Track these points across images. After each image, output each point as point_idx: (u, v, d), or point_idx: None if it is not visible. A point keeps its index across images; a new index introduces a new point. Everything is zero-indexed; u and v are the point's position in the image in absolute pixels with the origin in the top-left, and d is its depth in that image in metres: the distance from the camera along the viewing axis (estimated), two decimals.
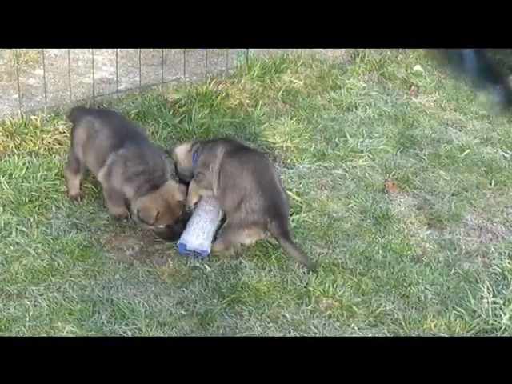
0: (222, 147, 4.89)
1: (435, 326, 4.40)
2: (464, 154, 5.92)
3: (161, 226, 4.80)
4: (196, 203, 5.03)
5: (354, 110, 6.40)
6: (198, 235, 4.79)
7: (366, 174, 5.65)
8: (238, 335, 4.28)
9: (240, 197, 4.68)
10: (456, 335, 4.34)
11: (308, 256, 4.74)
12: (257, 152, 5.12)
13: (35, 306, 4.38)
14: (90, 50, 6.35)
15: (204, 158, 4.95)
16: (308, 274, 4.67)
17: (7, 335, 4.16)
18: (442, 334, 4.35)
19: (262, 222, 4.64)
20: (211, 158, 4.88)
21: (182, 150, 5.14)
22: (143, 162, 4.87)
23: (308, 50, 6.90)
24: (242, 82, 6.46)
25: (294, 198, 5.19)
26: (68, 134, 5.44)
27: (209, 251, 4.76)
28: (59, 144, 5.48)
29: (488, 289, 4.61)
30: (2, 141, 5.50)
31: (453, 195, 5.50)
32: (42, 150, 5.49)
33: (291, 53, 6.81)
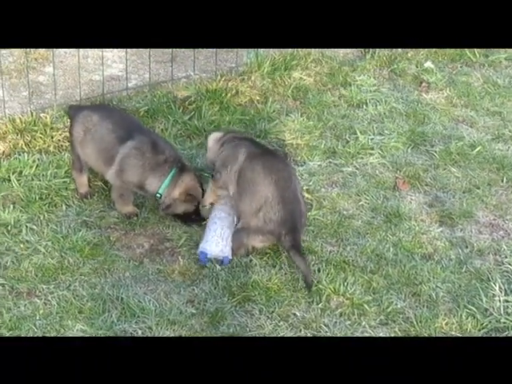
0: (245, 150, 4.82)
1: (447, 325, 4.38)
2: (475, 150, 5.89)
3: (196, 204, 4.95)
4: (212, 204, 5.01)
5: (365, 106, 6.36)
6: (218, 242, 4.76)
7: (377, 171, 5.62)
8: (248, 334, 4.26)
9: (259, 205, 4.62)
10: (468, 334, 4.32)
11: (312, 274, 4.62)
12: (280, 158, 4.96)
13: (45, 304, 4.38)
14: None
15: (225, 156, 4.89)
16: (319, 272, 4.66)
17: (17, 333, 4.16)
18: (453, 333, 4.33)
19: (277, 233, 4.61)
20: (232, 159, 4.82)
21: (212, 137, 5.10)
22: (160, 151, 4.92)
23: None
24: (252, 78, 6.44)
25: (304, 196, 5.16)
26: None
27: (230, 257, 4.73)
28: (69, 141, 5.45)
29: (500, 287, 4.59)
30: (12, 138, 5.50)
31: (464, 192, 5.47)
32: (51, 147, 5.49)
33: (301, 50, 6.78)
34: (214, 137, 5.11)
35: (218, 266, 4.67)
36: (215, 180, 4.92)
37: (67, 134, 5.47)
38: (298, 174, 5.35)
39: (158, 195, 4.91)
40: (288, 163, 4.91)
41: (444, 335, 4.31)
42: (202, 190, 5.00)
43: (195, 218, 4.99)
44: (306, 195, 5.23)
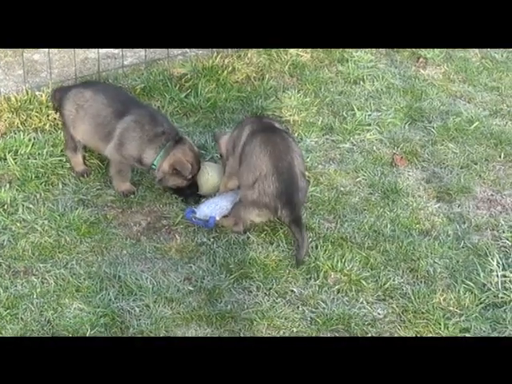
0: (249, 127, 4.80)
1: (444, 300, 4.38)
2: (473, 126, 5.87)
3: (189, 179, 4.89)
4: None
5: (362, 83, 6.34)
6: (210, 206, 4.79)
7: (374, 148, 5.60)
8: (245, 311, 4.26)
9: (255, 177, 4.60)
10: (466, 309, 4.32)
11: (307, 251, 4.59)
12: (280, 132, 4.82)
13: (42, 282, 4.37)
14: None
15: (233, 139, 4.87)
16: (316, 248, 4.66)
17: (15, 312, 4.16)
18: (451, 308, 4.33)
19: (272, 206, 4.58)
20: (237, 141, 4.80)
21: (224, 140, 5.01)
22: (159, 123, 4.91)
23: None
24: (249, 55, 6.41)
25: (305, 172, 5.12)
26: None
27: (217, 218, 4.73)
28: (61, 122, 5.42)
29: (497, 262, 4.58)
30: (8, 117, 5.48)
31: (462, 168, 5.46)
32: (47, 126, 5.47)
33: None
34: (226, 137, 5.01)
35: (215, 244, 4.67)
36: (226, 170, 4.92)
37: (59, 113, 5.44)
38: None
39: (153, 166, 4.90)
40: (287, 137, 4.78)
41: (442, 310, 4.31)
42: (198, 165, 4.95)
43: (190, 192, 4.95)
44: None
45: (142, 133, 4.87)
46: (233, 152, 4.84)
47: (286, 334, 4.15)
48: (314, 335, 4.15)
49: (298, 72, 6.42)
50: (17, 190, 4.96)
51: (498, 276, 4.50)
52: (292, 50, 6.56)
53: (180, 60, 6.34)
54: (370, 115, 5.92)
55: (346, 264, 4.56)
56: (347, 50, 6.69)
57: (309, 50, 6.62)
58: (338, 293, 4.43)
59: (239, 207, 4.74)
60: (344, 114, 5.93)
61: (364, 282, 4.47)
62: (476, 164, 5.50)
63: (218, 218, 4.73)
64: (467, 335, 4.17)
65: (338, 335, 4.16)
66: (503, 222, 4.97)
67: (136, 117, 4.90)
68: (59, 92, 5.21)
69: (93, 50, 6.30)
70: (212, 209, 4.76)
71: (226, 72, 6.16)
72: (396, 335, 4.17)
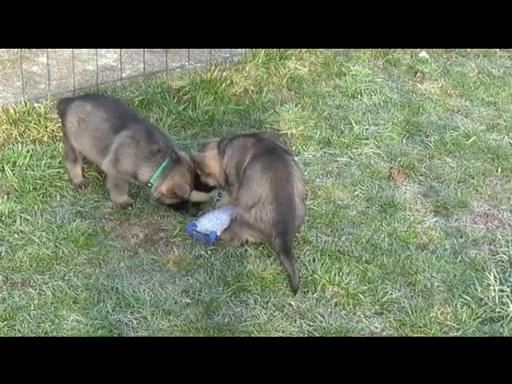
0: (251, 151, 4.75)
1: (442, 314, 4.38)
2: (470, 140, 5.89)
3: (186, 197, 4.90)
4: None
5: (359, 96, 6.35)
6: (211, 220, 4.78)
7: (372, 162, 5.61)
8: (243, 324, 4.26)
9: (253, 202, 4.59)
10: (463, 323, 4.33)
11: (299, 277, 4.54)
12: (283, 157, 4.72)
13: (40, 294, 4.36)
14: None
15: (236, 161, 4.81)
16: (314, 262, 4.66)
17: (12, 324, 4.15)
18: (448, 323, 4.33)
19: (267, 233, 4.59)
20: (240, 165, 4.75)
21: (209, 156, 4.93)
22: (155, 140, 4.91)
23: None
24: (247, 68, 6.42)
25: (304, 200, 5.11)
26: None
27: (218, 233, 4.73)
28: (62, 133, 5.43)
29: (495, 276, 4.59)
30: (6, 128, 5.48)
31: (459, 182, 5.47)
32: (45, 137, 5.47)
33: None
34: (212, 153, 4.94)
35: (212, 257, 4.67)
36: (231, 193, 4.90)
37: (61, 124, 5.45)
38: None
39: (149, 184, 4.90)
40: (289, 162, 4.72)
41: (439, 325, 4.32)
42: (196, 183, 4.95)
43: (183, 206, 4.97)
44: None
45: (137, 149, 4.87)
46: (237, 178, 4.79)
47: None
48: None
49: (296, 85, 6.43)
50: (15, 201, 4.96)
51: (495, 290, 4.51)
52: (290, 64, 6.58)
53: (178, 73, 6.35)
54: (367, 129, 5.93)
55: (344, 277, 4.56)
56: (345, 63, 6.72)
57: (307, 63, 6.64)
58: (336, 306, 4.43)
59: (235, 225, 4.73)
60: (342, 127, 5.95)
61: (361, 296, 4.48)
62: (473, 178, 5.51)
63: (219, 234, 4.74)
64: None
65: None
66: (500, 237, 4.98)
67: (132, 132, 4.90)
68: (63, 103, 5.22)
69: (91, 61, 6.32)
70: (213, 223, 4.75)
71: (224, 85, 6.17)
72: None
